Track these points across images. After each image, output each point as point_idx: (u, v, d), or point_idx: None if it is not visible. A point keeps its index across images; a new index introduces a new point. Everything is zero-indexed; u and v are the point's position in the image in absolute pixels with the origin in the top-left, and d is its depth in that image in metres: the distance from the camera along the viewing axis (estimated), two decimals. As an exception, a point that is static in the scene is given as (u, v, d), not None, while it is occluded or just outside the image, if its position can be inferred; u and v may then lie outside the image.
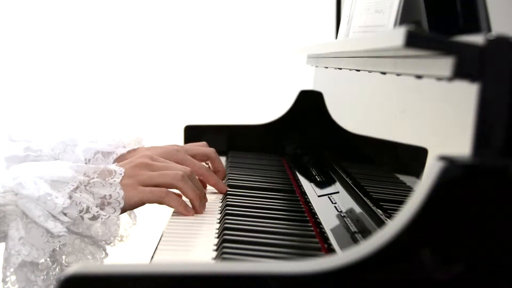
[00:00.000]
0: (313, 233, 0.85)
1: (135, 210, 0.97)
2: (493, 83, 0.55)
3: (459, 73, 0.56)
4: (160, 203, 0.89)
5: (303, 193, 1.06)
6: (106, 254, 0.88)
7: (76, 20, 2.31)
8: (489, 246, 0.54)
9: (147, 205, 1.03)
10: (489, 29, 0.79)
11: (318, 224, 0.89)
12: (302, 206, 0.99)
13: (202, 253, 0.78)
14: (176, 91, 2.32)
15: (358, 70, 0.99)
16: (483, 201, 0.54)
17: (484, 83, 0.55)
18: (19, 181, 0.81)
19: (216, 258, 0.75)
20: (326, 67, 1.30)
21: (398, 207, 0.78)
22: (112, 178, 0.86)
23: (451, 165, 0.53)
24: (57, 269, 0.84)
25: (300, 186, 1.12)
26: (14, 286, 0.81)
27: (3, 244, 0.82)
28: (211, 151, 1.09)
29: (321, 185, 1.11)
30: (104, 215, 0.83)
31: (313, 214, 0.94)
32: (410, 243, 0.54)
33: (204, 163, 1.07)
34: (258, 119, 1.49)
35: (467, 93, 0.57)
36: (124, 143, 1.05)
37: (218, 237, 0.82)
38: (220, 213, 0.94)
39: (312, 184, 1.12)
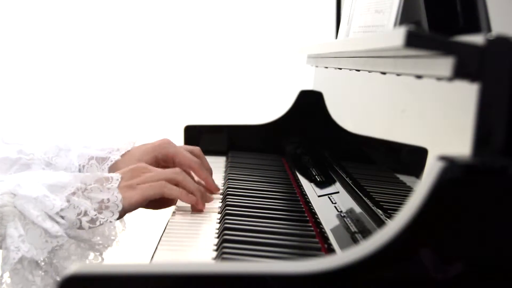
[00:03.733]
0: (313, 233, 0.85)
1: (126, 215, 0.97)
2: (493, 83, 0.55)
3: (459, 73, 0.56)
4: (161, 195, 0.89)
5: (303, 193, 1.06)
6: (102, 259, 0.88)
7: (74, 21, 2.31)
8: (489, 246, 0.54)
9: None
10: (489, 29, 0.79)
11: (318, 224, 0.89)
12: (302, 206, 0.99)
13: (202, 253, 0.78)
14: (176, 91, 2.32)
15: (358, 70, 0.99)
16: (483, 201, 0.54)
17: (484, 83, 0.55)
18: (17, 183, 0.82)
19: (216, 258, 0.75)
20: (326, 67, 1.30)
21: (398, 207, 0.78)
22: (109, 183, 0.86)
23: (451, 165, 0.53)
24: (53, 273, 0.84)
25: (300, 186, 1.12)
26: (10, 287, 0.81)
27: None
28: (195, 163, 1.03)
29: (321, 185, 1.11)
30: (103, 219, 0.83)
31: (313, 214, 0.94)
32: (410, 243, 0.54)
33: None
34: (258, 119, 1.49)
35: (467, 93, 0.57)
36: (117, 147, 1.05)
37: (218, 237, 0.82)
38: (220, 213, 0.94)
39: (312, 184, 1.12)
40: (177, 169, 0.93)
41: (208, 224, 0.89)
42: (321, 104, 1.37)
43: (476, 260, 0.54)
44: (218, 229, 0.86)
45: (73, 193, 0.84)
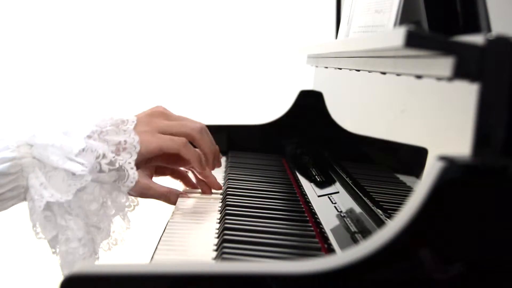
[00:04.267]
0: (313, 233, 0.85)
1: (129, 214, 0.97)
2: (493, 83, 0.55)
3: (459, 73, 0.56)
4: (178, 152, 0.88)
5: (303, 193, 1.06)
6: (127, 199, 0.86)
7: (74, 21, 2.31)
8: (489, 246, 0.54)
9: (147, 204, 1.03)
10: (489, 29, 0.79)
11: (318, 224, 0.89)
12: (302, 206, 0.99)
13: (202, 253, 0.78)
14: (176, 91, 2.32)
15: (358, 70, 0.99)
16: (483, 201, 0.54)
17: (484, 83, 0.55)
18: (32, 133, 0.81)
19: (216, 258, 0.75)
20: (326, 67, 1.30)
21: (398, 207, 0.78)
22: (125, 125, 0.85)
23: (451, 165, 0.53)
24: (84, 216, 0.82)
25: (300, 186, 1.12)
26: (46, 236, 0.80)
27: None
28: (196, 130, 0.94)
29: (321, 185, 1.11)
30: (121, 160, 0.82)
31: (313, 214, 0.94)
32: (410, 243, 0.54)
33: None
34: (258, 119, 1.49)
35: (467, 93, 0.57)
36: (122, 118, 1.02)
37: (218, 237, 0.82)
38: (220, 213, 0.94)
39: (312, 184, 1.12)
40: (196, 125, 0.92)
41: (208, 224, 0.89)
42: (321, 104, 1.37)
43: (476, 260, 0.54)
44: (218, 229, 0.86)
45: (89, 137, 0.82)
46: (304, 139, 1.45)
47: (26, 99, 2.31)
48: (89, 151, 0.81)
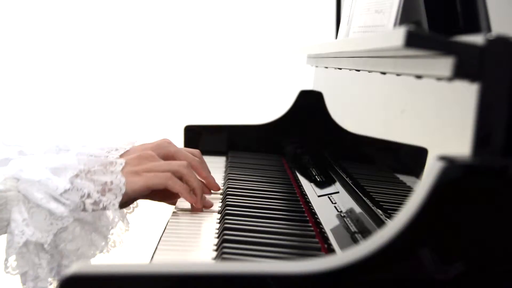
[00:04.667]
0: (313, 233, 0.85)
1: (128, 215, 0.97)
2: (493, 83, 0.55)
3: (459, 73, 0.56)
4: (164, 187, 0.89)
5: (303, 193, 1.06)
6: (107, 243, 0.87)
7: (74, 21, 2.31)
8: (489, 246, 0.54)
9: (146, 204, 1.03)
10: (489, 29, 0.79)
11: (318, 224, 0.89)
12: (302, 206, 0.99)
13: (202, 253, 0.78)
14: (176, 91, 2.32)
15: (358, 70, 0.99)
16: (483, 201, 0.54)
17: (484, 83, 0.55)
18: (19, 168, 0.81)
19: (216, 258, 0.75)
20: (326, 67, 1.30)
21: (398, 207, 0.78)
22: (113, 167, 0.86)
23: (451, 165, 0.53)
24: (58, 256, 0.83)
25: (300, 186, 1.12)
26: (15, 271, 0.81)
27: (4, 237, 0.82)
28: (196, 161, 1.01)
29: (321, 185, 1.11)
30: (106, 201, 0.83)
31: (313, 214, 0.94)
32: (410, 243, 0.54)
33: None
34: (258, 119, 1.49)
35: (467, 93, 0.57)
36: (116, 146, 1.05)
37: (218, 237, 0.82)
38: (220, 213, 0.94)
39: (312, 184, 1.12)
40: (183, 162, 0.93)
41: (208, 224, 0.89)
42: (321, 104, 1.37)
43: (476, 260, 0.54)
44: (218, 229, 0.86)
45: (76, 175, 0.83)
46: (304, 139, 1.45)
47: (24, 101, 2.31)
48: (74, 189, 0.82)
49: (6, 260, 0.81)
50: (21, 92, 2.31)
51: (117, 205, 0.84)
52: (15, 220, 0.79)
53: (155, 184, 0.88)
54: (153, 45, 2.31)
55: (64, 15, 2.30)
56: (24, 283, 0.82)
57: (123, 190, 0.84)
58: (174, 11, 2.30)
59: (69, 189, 0.81)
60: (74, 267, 0.53)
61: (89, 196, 0.82)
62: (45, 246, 0.81)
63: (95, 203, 0.83)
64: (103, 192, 0.84)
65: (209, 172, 1.06)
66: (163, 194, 0.96)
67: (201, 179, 1.05)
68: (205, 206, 0.96)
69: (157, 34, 2.31)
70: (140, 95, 2.33)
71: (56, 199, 0.80)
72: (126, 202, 0.87)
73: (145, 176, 0.88)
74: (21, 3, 2.29)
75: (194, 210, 0.95)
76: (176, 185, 0.89)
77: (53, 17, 2.30)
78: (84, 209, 0.82)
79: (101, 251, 0.88)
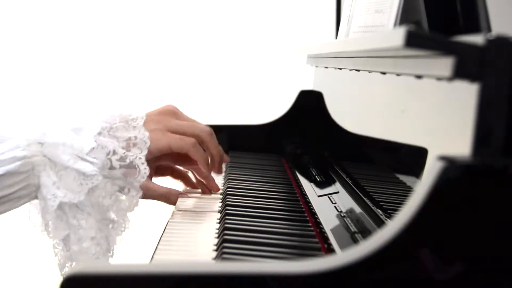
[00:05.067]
0: (313, 233, 0.85)
1: (128, 214, 0.97)
2: (493, 83, 0.55)
3: (459, 73, 0.56)
4: (186, 152, 0.89)
5: (303, 193, 1.06)
6: (141, 192, 0.86)
7: (75, 20, 2.31)
8: (489, 246, 0.54)
9: (146, 204, 1.03)
10: (489, 29, 0.79)
11: (318, 224, 0.89)
12: (302, 206, 0.99)
13: (202, 253, 0.78)
14: (176, 91, 2.32)
15: (358, 70, 0.99)
16: (483, 201, 0.54)
17: (484, 83, 0.55)
18: (42, 132, 0.81)
19: (216, 258, 0.75)
20: (326, 67, 1.30)
21: (398, 207, 0.78)
22: (135, 122, 0.86)
23: (451, 165, 0.53)
24: (96, 213, 0.82)
25: (300, 186, 1.12)
26: (58, 237, 0.80)
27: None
28: (206, 132, 0.96)
29: (321, 185, 1.11)
30: (132, 156, 0.83)
31: (313, 214, 0.94)
32: (410, 243, 0.54)
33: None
34: (258, 119, 1.49)
35: (467, 93, 0.57)
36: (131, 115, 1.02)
37: (218, 237, 0.82)
38: (220, 213, 0.94)
39: (312, 184, 1.12)
40: (206, 128, 0.93)
41: (208, 224, 0.89)
42: (321, 104, 1.37)
43: (476, 260, 0.54)
44: (218, 229, 0.86)
45: (99, 133, 0.83)
46: (304, 139, 1.45)
47: (32, 97, 2.31)
48: (99, 148, 0.81)
49: (47, 225, 0.81)
50: (23, 93, 2.31)
51: (143, 159, 0.83)
52: (45, 184, 0.78)
53: (179, 148, 0.88)
54: (153, 45, 2.31)
55: (66, 15, 2.30)
56: (68, 249, 0.81)
57: (148, 144, 0.84)
58: (175, 11, 2.30)
59: (94, 148, 0.81)
60: (75, 267, 0.53)
61: (114, 153, 0.82)
62: (78, 205, 0.80)
63: (121, 158, 0.82)
64: (128, 148, 0.83)
65: (221, 153, 1.02)
66: (181, 157, 0.95)
67: (201, 179, 1.05)
68: (213, 190, 0.97)
69: (158, 34, 2.31)
70: (140, 95, 2.33)
71: (83, 159, 0.80)
72: (149, 159, 0.85)
73: (170, 137, 0.88)
74: (23, 3, 2.29)
75: (202, 192, 0.97)
76: (197, 154, 0.90)
77: (57, 15, 2.30)
78: (111, 167, 0.82)
79: (137, 204, 0.85)
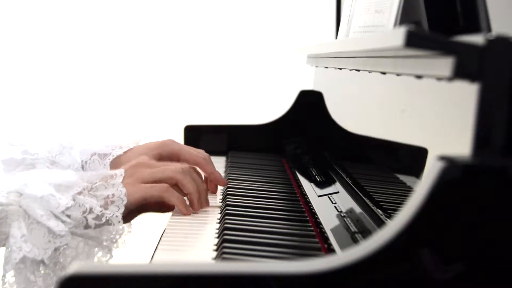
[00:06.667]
0: (313, 233, 0.85)
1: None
2: (493, 83, 0.55)
3: (459, 73, 0.56)
4: (161, 199, 0.89)
5: (303, 193, 1.06)
6: (111, 256, 0.87)
7: (75, 21, 2.31)
8: (489, 246, 0.54)
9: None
10: (489, 29, 0.79)
11: (318, 224, 0.89)
12: (302, 206, 0.99)
13: (202, 253, 0.78)
14: (176, 91, 2.32)
15: (358, 70, 0.99)
16: (483, 201, 0.54)
17: (484, 83, 0.55)
18: (24, 182, 0.82)
19: (216, 258, 0.75)
20: (326, 67, 1.30)
21: (398, 207, 0.78)
22: (114, 180, 0.86)
23: (451, 165, 0.53)
24: (59, 271, 0.84)
25: (300, 186, 1.12)
26: (13, 287, 0.81)
27: (2, 249, 0.82)
28: (201, 158, 1.03)
29: (321, 185, 1.11)
30: (109, 214, 0.83)
31: (313, 214, 0.94)
32: (410, 243, 0.54)
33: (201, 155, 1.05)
34: (258, 119, 1.49)
35: (467, 93, 0.57)
36: (120, 144, 1.05)
37: (218, 237, 0.82)
38: (220, 213, 0.94)
39: (312, 184, 1.12)
40: (178, 167, 0.92)
41: (208, 224, 0.89)
42: (321, 104, 1.37)
43: (476, 260, 0.54)
44: (218, 229, 0.86)
45: (79, 193, 0.84)
46: (304, 139, 1.45)
47: (27, 101, 2.31)
48: (76, 206, 0.82)
49: (4, 276, 0.81)
50: (24, 92, 2.31)
51: (120, 217, 0.84)
52: (14, 235, 0.79)
53: (152, 196, 0.88)
54: (153, 46, 2.31)
55: (66, 15, 2.30)
56: None
57: (125, 201, 0.85)
58: (175, 11, 2.30)
59: (71, 206, 0.82)
60: (74, 267, 0.53)
61: (91, 211, 0.82)
62: (45, 261, 0.81)
63: (98, 217, 0.83)
64: (105, 206, 0.84)
65: (214, 168, 1.05)
66: (159, 205, 0.96)
67: (206, 175, 1.05)
68: (219, 183, 0.97)
69: (158, 34, 2.31)
70: (140, 95, 2.33)
71: (56, 217, 0.81)
72: (126, 216, 0.87)
73: (142, 188, 0.88)
74: (25, 3, 2.29)
75: (210, 191, 0.98)
76: (172, 198, 0.89)
77: (55, 17, 2.30)
78: (87, 225, 0.83)
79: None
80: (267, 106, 2.09)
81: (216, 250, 0.77)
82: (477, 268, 0.54)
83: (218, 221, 0.90)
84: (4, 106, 2.31)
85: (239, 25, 2.29)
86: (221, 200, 1.01)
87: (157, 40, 2.31)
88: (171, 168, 0.92)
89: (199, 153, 1.02)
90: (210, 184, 1.05)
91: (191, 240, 0.83)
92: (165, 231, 0.86)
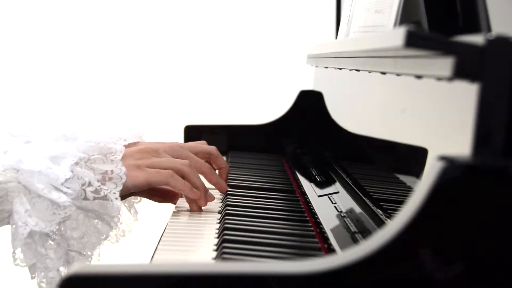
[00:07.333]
0: (313, 233, 0.85)
1: (136, 205, 0.96)
2: (493, 83, 0.55)
3: (459, 73, 0.56)
4: (166, 184, 0.88)
5: (303, 193, 1.06)
6: (111, 228, 0.86)
7: (77, 19, 2.31)
8: (489, 246, 0.54)
9: (147, 204, 1.03)
10: (489, 29, 0.79)
11: (318, 224, 0.89)
12: (302, 206, 0.99)
13: (202, 253, 0.78)
14: (176, 91, 2.32)
15: (358, 70, 0.99)
16: (483, 201, 0.54)
17: (484, 83, 0.55)
18: (19, 158, 0.81)
19: (216, 258, 0.75)
20: (326, 67, 1.30)
21: (398, 207, 0.78)
22: (113, 155, 0.85)
23: (451, 165, 0.53)
24: (65, 244, 0.83)
25: (300, 186, 1.12)
26: (24, 264, 0.80)
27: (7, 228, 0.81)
28: (212, 149, 1.06)
29: (321, 185, 1.11)
30: (106, 190, 0.82)
31: (313, 214, 0.94)
32: (410, 243, 0.54)
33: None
34: (258, 119, 1.49)
35: (467, 93, 0.57)
36: (124, 137, 1.04)
37: (218, 237, 0.82)
38: (220, 213, 0.94)
39: (312, 184, 1.12)
40: (186, 161, 0.92)
41: (208, 224, 0.89)
42: (321, 104, 1.37)
43: (476, 260, 0.54)
44: (218, 229, 0.86)
45: (76, 163, 0.83)
46: (304, 139, 1.45)
47: (24, 98, 2.31)
48: (75, 178, 0.81)
49: (14, 252, 0.80)
50: (28, 87, 2.31)
51: (117, 194, 0.83)
52: (18, 211, 0.78)
53: (157, 181, 0.87)
54: (153, 45, 2.31)
55: (69, 14, 2.30)
56: (33, 273, 0.81)
57: (124, 180, 0.84)
58: (174, 11, 2.30)
59: (69, 178, 0.81)
60: (74, 267, 0.53)
61: (89, 184, 0.82)
62: (51, 235, 0.80)
63: (96, 191, 0.82)
64: (103, 181, 0.83)
65: (227, 169, 1.06)
66: (163, 194, 0.95)
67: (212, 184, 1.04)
68: (208, 200, 0.96)
69: (158, 34, 2.31)
70: (141, 95, 2.33)
71: (57, 189, 0.80)
72: (125, 194, 0.86)
73: (147, 171, 0.87)
74: (25, 3, 2.29)
75: (193, 210, 0.95)
76: (178, 183, 0.88)
77: (59, 13, 2.30)
78: (85, 198, 0.82)
79: (106, 238, 0.87)
80: (267, 106, 2.09)
81: (216, 250, 0.77)
82: (477, 268, 0.54)
83: (218, 221, 0.90)
84: (7, 100, 2.31)
85: (239, 25, 2.29)
86: (221, 200, 1.01)
87: (157, 40, 2.31)
88: (180, 161, 0.91)
89: (203, 163, 1.00)
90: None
91: (191, 240, 0.83)
92: (165, 231, 0.86)
